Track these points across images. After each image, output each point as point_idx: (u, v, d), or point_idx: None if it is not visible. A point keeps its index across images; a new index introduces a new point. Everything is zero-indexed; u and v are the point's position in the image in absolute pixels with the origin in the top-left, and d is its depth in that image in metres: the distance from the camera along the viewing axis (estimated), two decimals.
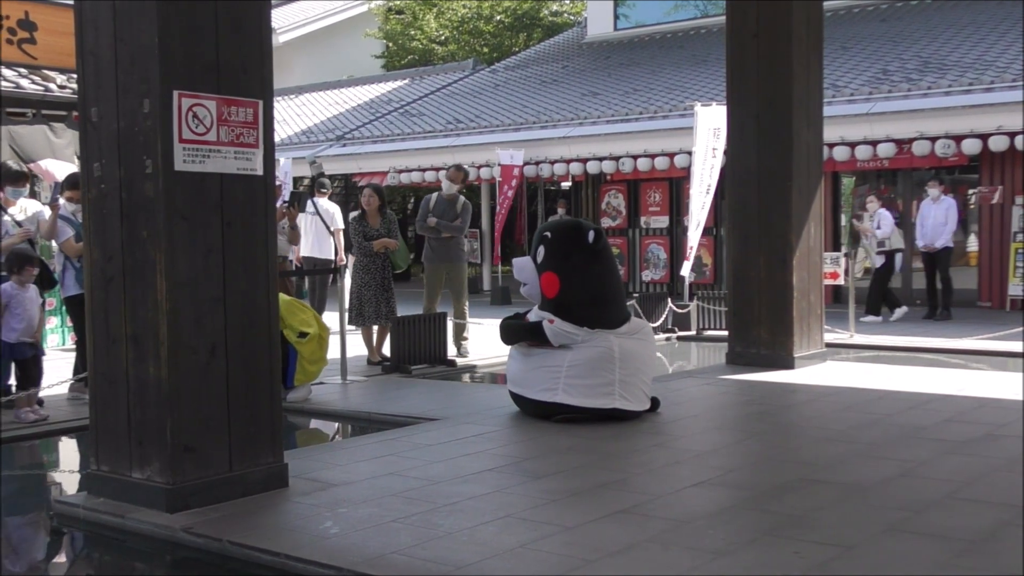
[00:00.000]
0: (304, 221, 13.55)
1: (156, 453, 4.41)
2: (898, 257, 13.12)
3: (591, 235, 6.38)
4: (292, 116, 24.44)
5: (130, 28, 4.37)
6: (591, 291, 6.37)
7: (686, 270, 12.84)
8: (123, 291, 4.50)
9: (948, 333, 11.02)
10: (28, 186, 8.05)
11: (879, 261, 12.96)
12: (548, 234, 6.56)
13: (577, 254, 6.40)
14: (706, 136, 12.54)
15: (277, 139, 18.52)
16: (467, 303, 9.94)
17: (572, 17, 31.13)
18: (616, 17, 23.43)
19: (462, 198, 9.82)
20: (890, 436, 5.75)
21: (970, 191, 14.65)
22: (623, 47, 22.56)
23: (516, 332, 6.55)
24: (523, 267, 6.63)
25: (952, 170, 14.47)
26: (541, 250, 6.52)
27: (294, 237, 9.09)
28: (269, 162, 4.72)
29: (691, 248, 12.86)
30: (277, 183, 8.90)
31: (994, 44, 15.46)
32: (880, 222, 12.90)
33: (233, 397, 4.57)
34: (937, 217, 12.79)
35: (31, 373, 6.88)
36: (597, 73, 20.72)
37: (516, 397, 6.59)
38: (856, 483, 4.68)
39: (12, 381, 7.21)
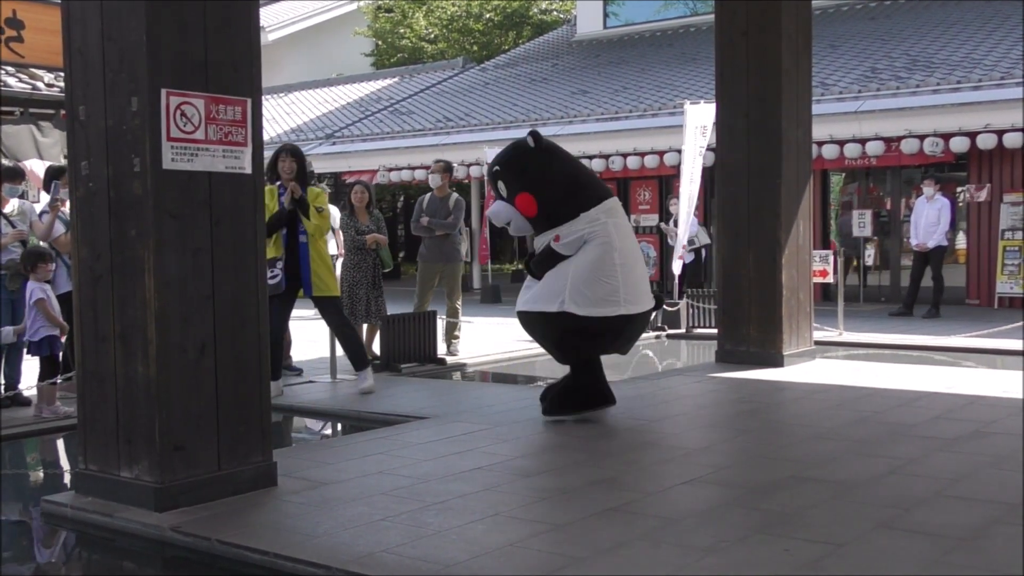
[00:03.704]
0: None
1: (145, 452, 4.39)
2: (704, 252, 14.71)
3: (530, 140, 6.32)
4: (281, 114, 24.40)
5: (118, 26, 4.36)
6: (564, 182, 6.30)
7: (679, 268, 12.80)
8: (111, 289, 4.48)
9: (937, 331, 11.05)
10: (24, 184, 8.02)
11: (689, 258, 13.96)
12: (497, 167, 6.48)
13: (530, 162, 6.32)
14: (694, 134, 12.56)
15: (266, 137, 18.51)
16: (460, 302, 9.92)
17: (561, 15, 31.16)
18: (606, 15, 23.46)
19: (454, 195, 9.81)
20: (879, 433, 5.76)
21: (958, 189, 14.70)
22: (613, 45, 22.58)
23: (542, 263, 6.36)
24: (499, 211, 6.50)
25: (941, 168, 14.53)
26: (501, 184, 6.43)
27: None
28: (258, 161, 4.70)
29: (687, 245, 12.81)
30: None
31: (982, 42, 15.53)
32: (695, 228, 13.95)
33: (222, 396, 4.56)
34: (930, 216, 12.84)
35: (46, 369, 6.98)
36: (587, 71, 20.73)
37: (524, 319, 6.41)
38: (846, 481, 4.69)
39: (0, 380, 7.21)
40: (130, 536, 4.27)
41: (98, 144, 4.48)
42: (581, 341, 6.22)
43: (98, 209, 4.51)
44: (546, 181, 6.27)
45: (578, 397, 6.35)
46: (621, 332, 6.26)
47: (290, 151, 7.52)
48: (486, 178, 6.46)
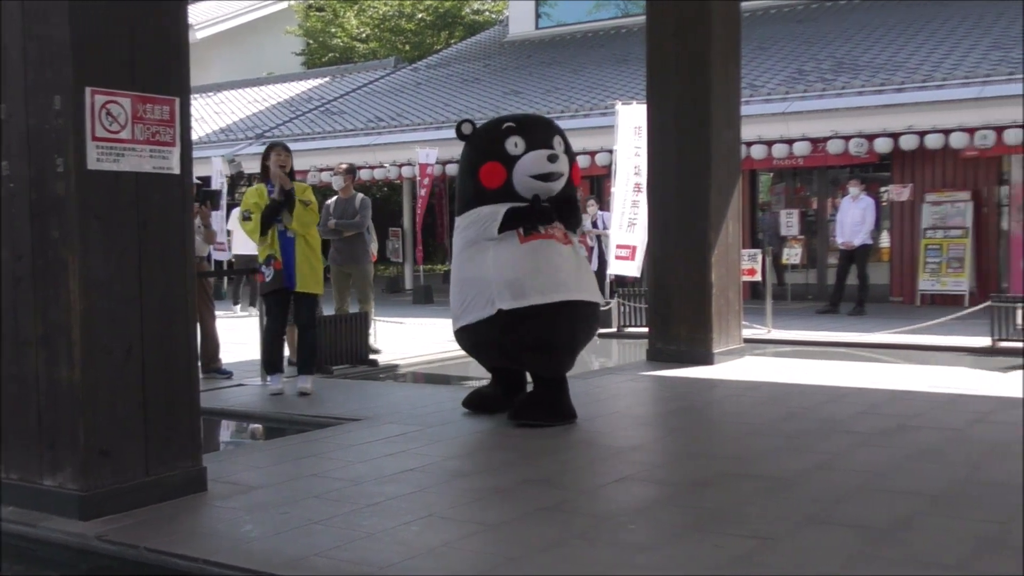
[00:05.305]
0: (234, 225, 13.83)
1: (68, 458, 4.29)
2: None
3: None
4: (210, 114, 24.05)
5: (41, 24, 4.25)
6: None
7: (623, 269, 12.82)
8: (33, 292, 4.38)
9: (861, 328, 11.27)
10: None
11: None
12: (557, 125, 6.47)
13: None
14: (628, 135, 12.65)
15: (195, 137, 18.23)
16: (372, 305, 9.89)
17: (493, 16, 31.19)
18: (537, 16, 23.53)
19: (359, 195, 9.84)
20: (808, 429, 5.85)
21: (882, 189, 15.02)
22: (544, 46, 22.65)
23: (573, 213, 6.35)
24: (567, 164, 6.27)
25: (865, 168, 14.83)
26: (560, 141, 6.28)
27: (210, 236, 8.94)
28: (186, 161, 4.63)
29: (630, 248, 12.85)
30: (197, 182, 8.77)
31: (904, 46, 15.88)
32: (604, 221, 14.38)
33: (150, 399, 4.47)
34: (855, 216, 13.11)
35: None
36: (519, 72, 20.77)
37: (591, 311, 6.28)
38: (776, 476, 4.76)
39: None
40: (53, 546, 4.16)
41: (19, 144, 4.36)
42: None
43: (19, 210, 4.39)
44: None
45: (563, 405, 6.24)
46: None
47: (284, 146, 7.55)
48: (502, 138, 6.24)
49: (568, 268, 6.09)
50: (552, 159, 6.08)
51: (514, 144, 6.13)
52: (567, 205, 6.25)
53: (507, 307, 5.97)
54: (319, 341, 8.54)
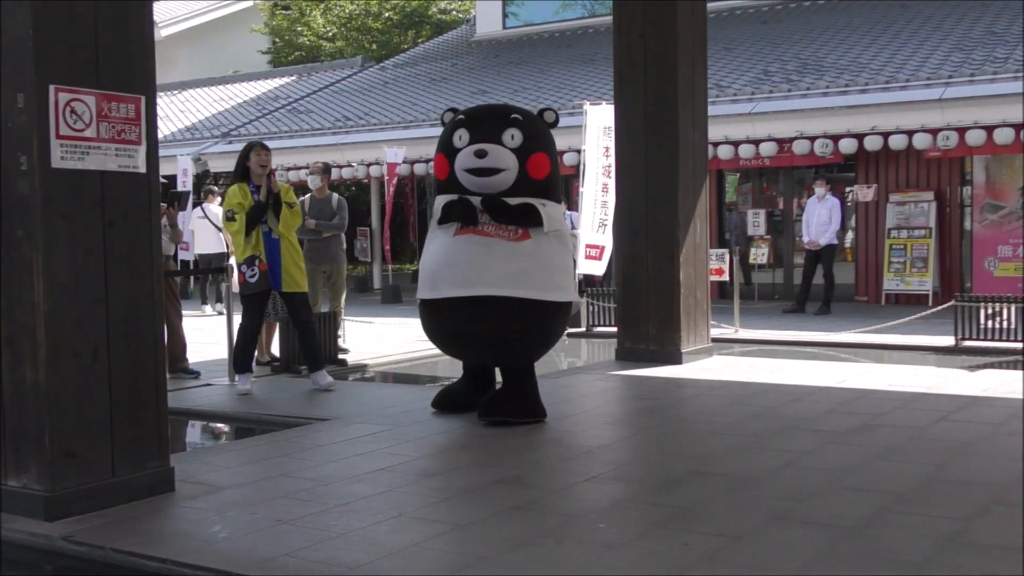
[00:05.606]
0: (195, 225, 13.81)
1: (34, 459, 4.25)
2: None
3: (553, 115, 6.38)
4: (176, 112, 23.87)
5: (3, 21, 4.21)
6: (557, 168, 6.37)
7: (591, 268, 12.85)
8: None
9: (828, 327, 11.37)
10: None
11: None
12: (517, 116, 6.14)
13: (548, 133, 6.35)
14: (597, 134, 12.68)
15: (161, 136, 18.08)
16: (344, 303, 9.86)
17: (461, 15, 31.16)
18: (505, 16, 23.55)
19: (335, 195, 9.78)
20: (775, 428, 5.90)
21: (847, 189, 15.16)
22: (512, 45, 22.66)
23: (519, 213, 6.03)
24: (503, 155, 5.93)
25: (831, 168, 14.97)
26: (515, 132, 5.99)
27: (176, 236, 8.88)
28: (153, 160, 4.60)
29: (599, 248, 12.84)
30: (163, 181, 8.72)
31: (868, 47, 16.03)
32: (573, 221, 14.09)
33: (117, 400, 4.44)
34: (822, 215, 13.25)
35: None
36: (486, 71, 20.77)
37: (519, 307, 5.93)
38: (742, 475, 4.79)
39: None
40: (18, 547, 4.12)
41: None
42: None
43: None
44: (556, 156, 6.33)
45: (532, 402, 6.22)
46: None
47: (263, 145, 7.52)
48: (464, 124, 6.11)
49: (498, 263, 5.89)
50: (480, 154, 5.90)
51: (459, 136, 6.10)
52: (499, 203, 5.98)
53: (425, 297, 6.17)
54: (289, 340, 8.54)
